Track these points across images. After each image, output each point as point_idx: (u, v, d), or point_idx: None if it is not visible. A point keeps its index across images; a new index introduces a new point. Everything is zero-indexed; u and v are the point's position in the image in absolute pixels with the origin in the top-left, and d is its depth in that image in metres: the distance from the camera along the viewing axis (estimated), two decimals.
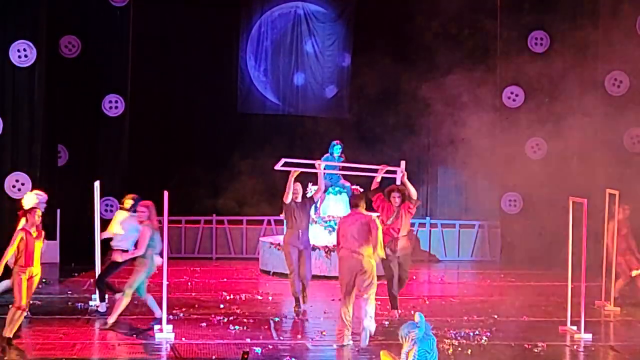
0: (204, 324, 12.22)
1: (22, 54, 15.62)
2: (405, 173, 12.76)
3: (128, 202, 12.71)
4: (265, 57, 20.84)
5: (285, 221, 13.63)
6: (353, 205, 12.31)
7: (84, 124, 17.78)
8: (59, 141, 17.46)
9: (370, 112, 21.26)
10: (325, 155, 16.38)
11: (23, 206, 12.10)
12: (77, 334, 11.52)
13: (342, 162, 16.33)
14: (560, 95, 17.96)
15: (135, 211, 12.29)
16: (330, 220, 16.57)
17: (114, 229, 12.57)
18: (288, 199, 13.23)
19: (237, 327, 12.06)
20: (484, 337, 11.65)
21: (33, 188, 15.49)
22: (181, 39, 20.18)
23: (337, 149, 16.40)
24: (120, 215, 12.72)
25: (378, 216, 12.35)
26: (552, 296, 14.53)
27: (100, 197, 14.06)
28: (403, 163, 12.87)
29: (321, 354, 10.86)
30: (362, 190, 17.29)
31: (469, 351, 10.94)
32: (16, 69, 15.65)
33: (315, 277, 15.97)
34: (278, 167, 12.84)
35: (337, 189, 16.76)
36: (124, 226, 12.48)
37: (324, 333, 11.83)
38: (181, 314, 12.76)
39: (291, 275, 13.27)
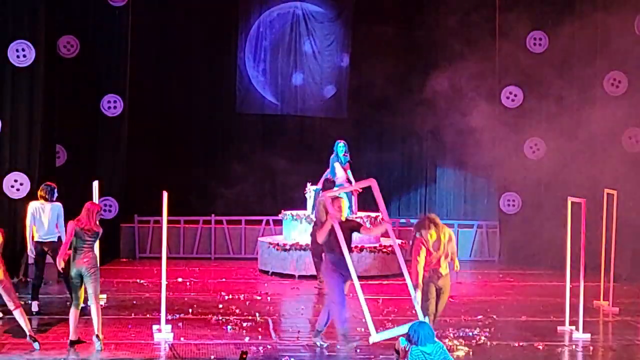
0: (202, 324, 12.22)
1: (21, 54, 15.60)
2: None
3: (46, 188, 13.01)
4: (264, 57, 20.86)
5: (324, 241, 10.89)
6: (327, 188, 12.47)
7: (83, 124, 17.77)
8: (58, 141, 17.45)
9: (369, 112, 21.29)
10: (332, 157, 16.49)
11: None
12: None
13: (349, 162, 16.48)
14: (558, 95, 17.98)
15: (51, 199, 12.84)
16: None
17: (45, 221, 12.78)
18: (322, 238, 10.84)
19: (235, 327, 12.06)
20: (483, 337, 11.66)
21: (32, 188, 15.51)
22: (180, 39, 20.19)
23: (340, 148, 16.48)
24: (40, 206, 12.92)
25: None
26: (551, 296, 14.53)
27: (99, 197, 14.03)
28: None
29: (320, 354, 10.86)
30: (360, 190, 17.32)
31: (468, 351, 10.94)
32: (15, 69, 15.62)
33: (315, 277, 16.03)
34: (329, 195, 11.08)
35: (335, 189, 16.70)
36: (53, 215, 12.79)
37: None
38: (180, 314, 12.75)
39: (338, 307, 10.73)
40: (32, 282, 13.19)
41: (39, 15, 15.77)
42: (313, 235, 15.41)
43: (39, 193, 13.07)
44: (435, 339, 8.26)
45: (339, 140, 16.70)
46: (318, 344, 11.01)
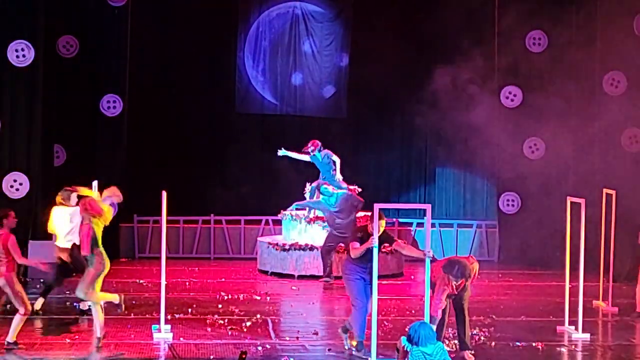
0: (202, 324, 12.22)
1: (20, 53, 15.61)
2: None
3: (64, 194, 12.80)
4: (263, 57, 20.84)
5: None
6: None
7: (82, 123, 17.77)
8: (57, 141, 17.45)
9: (368, 112, 21.28)
10: (312, 155, 16.67)
11: None
12: (75, 334, 11.51)
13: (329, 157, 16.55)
14: (558, 95, 17.98)
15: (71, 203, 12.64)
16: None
17: (61, 226, 12.62)
18: (358, 254, 10.68)
19: (235, 327, 12.06)
20: (482, 337, 11.66)
21: (31, 188, 15.51)
22: (179, 39, 20.16)
23: (316, 152, 16.61)
24: (59, 211, 12.74)
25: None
26: (550, 296, 14.53)
27: None
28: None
29: (319, 354, 10.87)
30: (359, 190, 17.32)
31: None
32: (14, 68, 15.63)
33: (314, 277, 16.04)
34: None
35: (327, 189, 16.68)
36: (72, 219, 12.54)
37: (316, 333, 11.85)
38: (179, 314, 12.75)
39: (360, 313, 10.77)
40: (48, 282, 13.09)
41: (39, 15, 15.78)
42: (329, 234, 15.52)
43: (57, 199, 12.92)
44: (436, 340, 8.26)
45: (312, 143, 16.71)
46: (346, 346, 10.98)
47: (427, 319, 9.90)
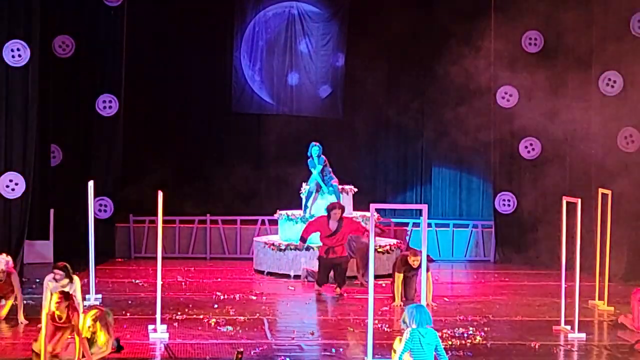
0: (198, 324, 12.21)
1: (16, 53, 15.57)
2: None
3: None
4: (260, 56, 20.86)
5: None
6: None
7: (78, 123, 17.77)
8: (53, 141, 17.44)
9: (364, 112, 21.30)
10: (309, 160, 16.58)
11: None
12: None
13: (324, 162, 16.52)
14: (553, 94, 18.00)
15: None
16: None
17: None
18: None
19: (231, 327, 12.06)
20: (478, 337, 11.67)
21: (27, 188, 15.47)
22: (175, 39, 20.19)
23: (314, 150, 16.53)
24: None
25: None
26: (546, 296, 14.55)
27: (94, 197, 14.02)
28: None
29: (316, 354, 10.87)
30: (355, 190, 17.33)
31: (463, 351, 10.95)
32: (10, 68, 15.58)
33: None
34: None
35: (330, 188, 16.73)
36: None
37: (312, 333, 11.85)
38: (175, 314, 12.74)
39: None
40: None
41: (34, 15, 15.74)
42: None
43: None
44: (429, 326, 8.54)
45: (313, 142, 16.67)
46: None
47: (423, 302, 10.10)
